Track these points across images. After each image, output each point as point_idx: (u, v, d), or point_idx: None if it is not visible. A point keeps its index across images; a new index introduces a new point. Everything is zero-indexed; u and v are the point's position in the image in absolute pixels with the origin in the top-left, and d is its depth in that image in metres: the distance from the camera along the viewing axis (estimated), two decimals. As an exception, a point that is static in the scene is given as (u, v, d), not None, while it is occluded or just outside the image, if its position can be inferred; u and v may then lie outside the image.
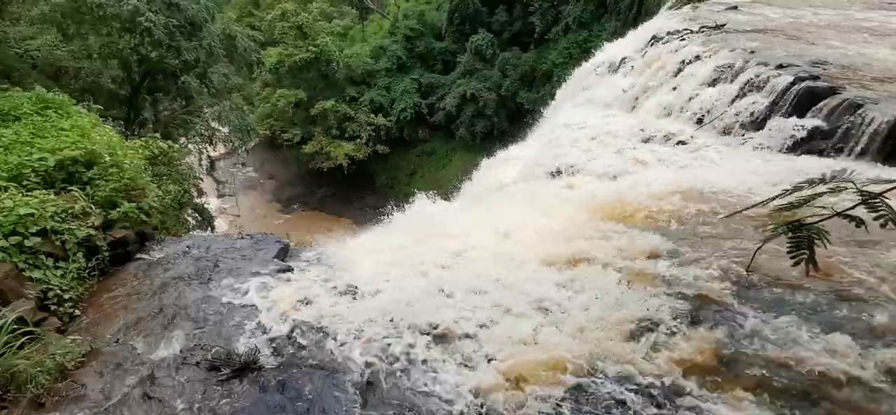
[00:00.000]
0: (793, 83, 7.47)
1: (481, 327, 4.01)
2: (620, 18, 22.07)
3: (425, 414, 3.26)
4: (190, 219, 11.63)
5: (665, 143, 8.15)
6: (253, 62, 21.08)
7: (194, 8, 16.36)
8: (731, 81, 8.59)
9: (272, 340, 3.89)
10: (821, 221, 2.02)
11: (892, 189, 1.99)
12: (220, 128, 20.99)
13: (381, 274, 5.04)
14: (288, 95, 27.37)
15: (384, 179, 28.39)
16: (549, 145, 9.37)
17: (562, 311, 4.12)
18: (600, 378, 3.42)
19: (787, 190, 2.09)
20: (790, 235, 2.01)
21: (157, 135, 8.22)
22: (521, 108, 25.19)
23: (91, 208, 4.84)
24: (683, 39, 11.11)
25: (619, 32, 18.84)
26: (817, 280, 3.92)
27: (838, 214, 1.97)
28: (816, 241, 1.98)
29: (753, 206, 2.34)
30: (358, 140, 27.07)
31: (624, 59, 12.65)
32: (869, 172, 5.68)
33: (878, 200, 1.86)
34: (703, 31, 11.35)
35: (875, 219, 1.86)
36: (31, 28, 15.20)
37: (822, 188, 2.00)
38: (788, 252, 2.02)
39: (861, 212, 1.96)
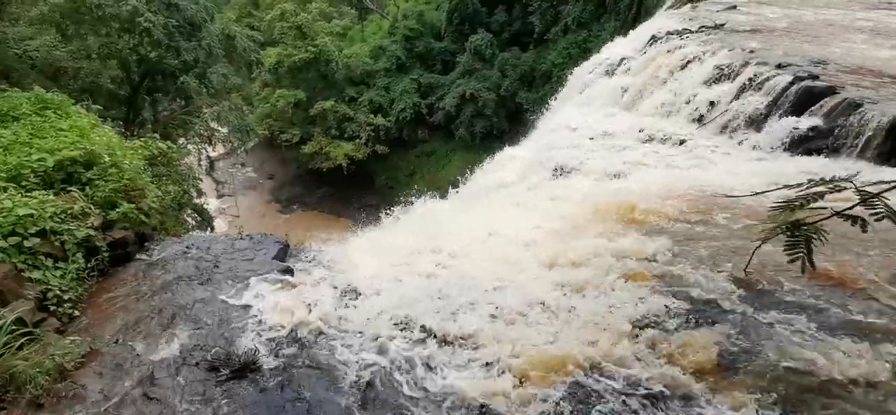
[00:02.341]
0: (792, 83, 7.48)
1: (481, 327, 4.00)
2: (620, 18, 22.08)
3: None
4: (189, 219, 11.63)
5: (664, 143, 8.16)
6: (252, 62, 21.08)
7: (193, 8, 16.35)
8: (731, 81, 8.60)
9: (272, 340, 3.89)
10: (819, 221, 2.02)
11: (891, 188, 1.99)
12: (220, 128, 21.00)
13: (381, 274, 5.04)
14: (287, 96, 27.36)
15: (384, 179, 28.38)
16: (549, 145, 9.38)
17: (561, 311, 4.12)
18: (600, 378, 3.42)
19: (788, 186, 2.09)
20: (788, 234, 2.02)
21: (157, 135, 8.23)
22: (520, 108, 25.20)
23: (90, 209, 4.83)
24: (683, 39, 11.12)
25: (618, 32, 18.85)
26: (818, 280, 3.92)
27: (837, 213, 1.97)
28: (814, 240, 1.99)
29: (753, 194, 2.34)
30: (357, 140, 27.06)
31: (623, 59, 12.67)
32: (867, 171, 5.69)
33: (876, 200, 1.87)
34: (702, 31, 11.37)
35: (872, 216, 1.87)
36: (30, 28, 15.17)
37: (820, 188, 2.00)
38: (785, 251, 2.03)
39: (861, 212, 1.96)
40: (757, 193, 2.25)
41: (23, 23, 15.26)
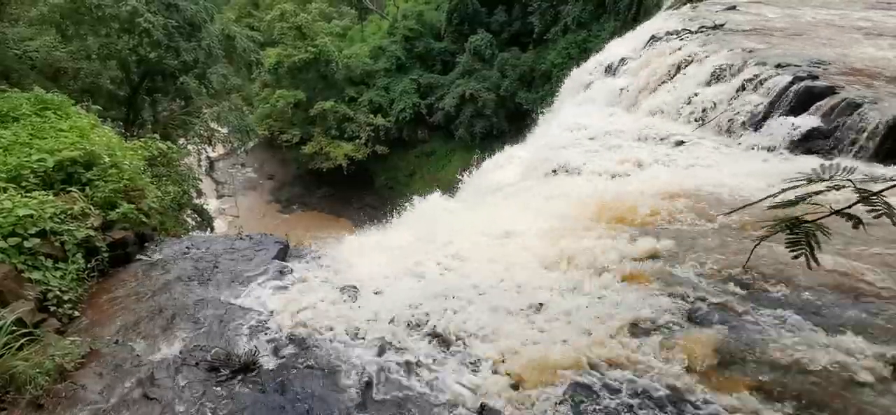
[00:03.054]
0: (791, 83, 7.49)
1: (481, 327, 4.01)
2: (619, 19, 22.09)
3: None
4: (189, 220, 11.63)
5: (664, 142, 8.16)
6: (252, 63, 21.09)
7: (193, 8, 16.35)
8: (730, 81, 8.60)
9: (272, 340, 3.89)
10: (819, 219, 2.03)
11: (890, 187, 2.00)
12: (220, 128, 21.00)
13: (381, 274, 5.04)
14: (287, 96, 27.38)
15: (383, 179, 28.39)
16: (548, 146, 9.38)
17: (561, 311, 4.13)
18: (600, 378, 3.42)
19: (788, 187, 2.09)
20: (788, 232, 2.03)
21: (157, 135, 8.23)
22: (520, 108, 25.20)
23: (90, 209, 4.83)
24: (682, 39, 11.13)
25: (618, 33, 18.86)
26: (817, 278, 3.92)
27: (836, 212, 1.98)
28: (815, 236, 1.99)
29: (754, 203, 2.34)
30: (357, 140, 27.08)
31: (623, 59, 12.67)
32: (868, 170, 5.69)
33: (875, 198, 1.87)
34: (701, 31, 11.36)
35: (870, 214, 1.87)
36: (29, 29, 15.17)
37: (820, 186, 2.01)
38: (787, 247, 2.03)
39: (859, 210, 1.97)
40: (763, 199, 2.25)
41: (22, 23, 15.25)
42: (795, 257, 1.98)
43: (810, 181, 2.02)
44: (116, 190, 5.19)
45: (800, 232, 1.97)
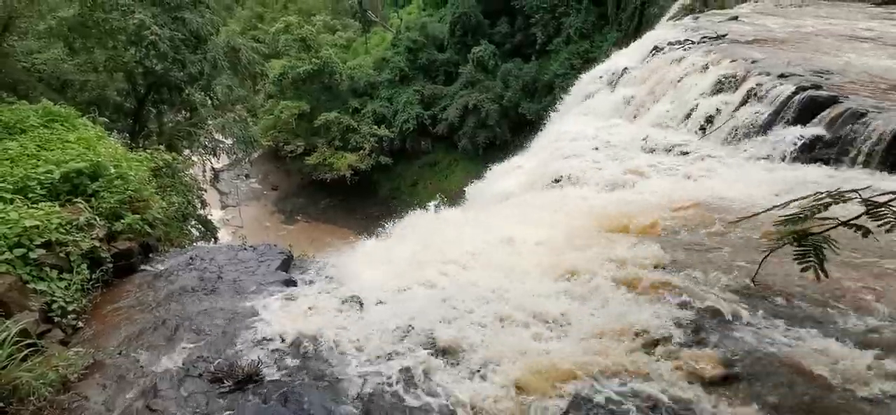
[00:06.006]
0: (795, 92, 7.48)
1: (484, 337, 3.98)
2: (621, 29, 22.23)
3: (428, 426, 3.23)
4: (193, 230, 11.68)
5: (667, 153, 8.15)
6: (256, 74, 21.30)
7: (199, 21, 16.55)
8: (733, 91, 8.60)
9: (275, 352, 3.87)
10: (826, 231, 2.01)
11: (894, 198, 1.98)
12: (224, 139, 21.16)
13: (384, 285, 5.03)
14: (291, 107, 27.61)
15: (387, 189, 28.48)
16: (552, 156, 9.39)
17: (564, 321, 4.10)
18: (603, 389, 3.38)
19: (793, 200, 2.08)
20: (796, 244, 2.01)
21: (162, 146, 8.29)
22: (523, 118, 25.32)
23: (95, 220, 4.86)
24: (685, 50, 11.16)
25: (620, 43, 18.94)
26: (824, 289, 3.89)
27: (843, 223, 1.96)
28: (823, 249, 1.98)
29: (758, 213, 2.33)
30: (361, 151, 27.24)
31: (625, 69, 12.71)
32: (872, 180, 5.66)
33: (882, 209, 1.86)
34: (704, 42, 11.40)
35: (880, 226, 1.86)
36: (37, 42, 15.39)
37: (826, 199, 2.00)
38: (795, 261, 2.02)
39: (868, 221, 1.95)
40: (769, 209, 2.24)
41: (31, 37, 15.47)
42: (804, 270, 1.96)
43: (819, 195, 2.01)
44: (122, 201, 5.23)
45: (807, 245, 1.95)
